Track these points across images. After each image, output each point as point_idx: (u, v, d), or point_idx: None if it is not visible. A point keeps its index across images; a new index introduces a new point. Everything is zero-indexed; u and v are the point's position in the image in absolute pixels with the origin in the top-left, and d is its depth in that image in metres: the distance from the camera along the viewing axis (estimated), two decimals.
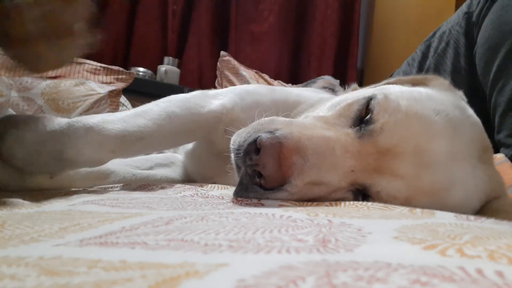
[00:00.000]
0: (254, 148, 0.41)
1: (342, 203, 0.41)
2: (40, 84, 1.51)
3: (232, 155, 0.46)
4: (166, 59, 2.30)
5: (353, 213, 0.35)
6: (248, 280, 0.16)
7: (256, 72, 1.99)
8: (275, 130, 0.41)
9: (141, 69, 2.18)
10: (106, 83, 1.63)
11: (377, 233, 0.26)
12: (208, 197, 0.48)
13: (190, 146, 0.81)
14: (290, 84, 2.06)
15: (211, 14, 2.49)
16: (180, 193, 0.52)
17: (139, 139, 0.56)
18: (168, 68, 2.23)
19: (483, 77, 0.97)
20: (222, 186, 0.60)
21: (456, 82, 0.59)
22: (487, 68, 0.95)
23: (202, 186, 0.59)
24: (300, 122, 0.46)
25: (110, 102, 1.57)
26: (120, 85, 1.65)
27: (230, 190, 0.51)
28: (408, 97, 0.46)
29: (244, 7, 2.56)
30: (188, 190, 0.54)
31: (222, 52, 1.99)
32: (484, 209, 0.49)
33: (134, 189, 0.58)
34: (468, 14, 1.06)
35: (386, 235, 0.25)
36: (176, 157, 0.89)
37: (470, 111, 0.52)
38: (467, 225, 0.30)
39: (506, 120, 0.89)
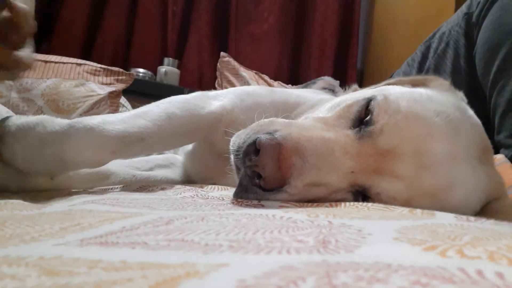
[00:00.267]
0: (253, 149, 0.41)
1: (342, 204, 0.41)
2: (40, 85, 1.51)
3: (232, 156, 0.46)
4: (166, 60, 2.30)
5: (353, 214, 0.35)
6: (248, 280, 0.16)
7: (256, 73, 1.99)
8: (275, 131, 0.41)
9: (141, 70, 2.18)
10: (106, 84, 1.63)
11: (377, 234, 0.26)
12: (208, 198, 0.48)
13: (190, 147, 0.81)
14: (290, 85, 2.06)
15: (211, 15, 2.49)
16: (180, 194, 0.52)
17: (139, 140, 0.56)
18: (168, 69, 2.23)
19: (483, 78, 0.97)
20: (222, 187, 0.61)
21: (456, 83, 0.59)
22: (487, 68, 0.95)
23: (202, 187, 0.59)
24: (299, 123, 0.46)
25: (110, 103, 1.57)
26: (120, 86, 1.65)
27: (230, 191, 0.51)
28: (408, 98, 0.46)
29: (244, 7, 2.56)
30: (188, 191, 0.54)
31: (222, 53, 1.99)
32: (484, 210, 0.49)
33: (134, 190, 0.58)
34: (468, 15, 1.06)
35: (386, 236, 0.26)
36: (176, 158, 0.89)
37: (471, 112, 0.52)
38: (467, 226, 0.30)
39: (506, 121, 0.89)
